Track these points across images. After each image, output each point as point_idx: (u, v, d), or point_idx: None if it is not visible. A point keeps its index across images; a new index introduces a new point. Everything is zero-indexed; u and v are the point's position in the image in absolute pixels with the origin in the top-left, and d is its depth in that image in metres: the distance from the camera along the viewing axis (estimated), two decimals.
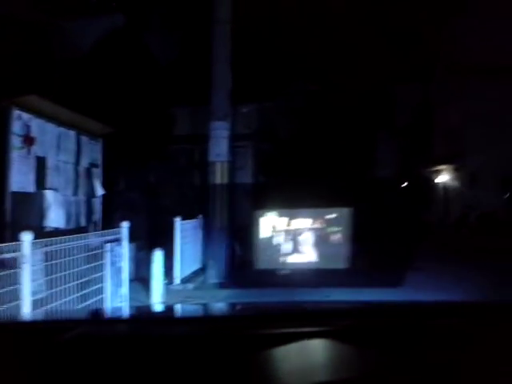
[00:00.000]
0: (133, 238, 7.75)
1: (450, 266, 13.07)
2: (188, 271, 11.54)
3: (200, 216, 12.82)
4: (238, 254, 15.74)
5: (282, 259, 10.64)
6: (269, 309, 2.44)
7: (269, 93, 18.31)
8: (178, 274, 10.76)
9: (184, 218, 11.63)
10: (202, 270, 12.30)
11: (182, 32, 17.67)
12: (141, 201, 14.58)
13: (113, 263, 6.91)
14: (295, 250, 10.48)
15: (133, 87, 13.59)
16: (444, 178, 28.88)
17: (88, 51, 14.20)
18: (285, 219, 10.49)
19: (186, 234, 11.39)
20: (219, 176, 11.04)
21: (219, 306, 3.67)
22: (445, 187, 28.98)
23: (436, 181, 29.88)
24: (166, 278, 9.83)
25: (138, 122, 13.50)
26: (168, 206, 14.49)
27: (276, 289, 9.12)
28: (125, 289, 7.24)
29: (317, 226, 10.45)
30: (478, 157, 24.78)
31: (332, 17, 25.19)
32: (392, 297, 7.53)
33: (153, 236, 11.93)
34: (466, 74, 25.92)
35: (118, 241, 7.15)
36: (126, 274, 7.27)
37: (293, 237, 10.49)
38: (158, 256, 8.28)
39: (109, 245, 6.80)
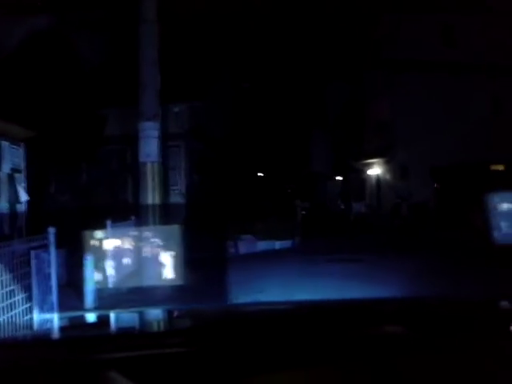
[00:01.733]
0: (63, 242, 7.58)
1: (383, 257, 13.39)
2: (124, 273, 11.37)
3: (133, 218, 12.66)
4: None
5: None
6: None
7: (201, 92, 18.26)
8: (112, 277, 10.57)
9: (116, 221, 11.45)
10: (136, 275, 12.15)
11: (111, 33, 17.40)
12: (71, 204, 14.29)
13: (39, 270, 6.74)
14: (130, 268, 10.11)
15: (58, 89, 13.28)
16: (376, 170, 29.54)
17: (9, 52, 13.78)
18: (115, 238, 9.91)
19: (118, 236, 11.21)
20: (150, 177, 10.92)
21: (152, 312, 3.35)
22: (377, 180, 29.64)
23: (368, 173, 30.53)
24: (100, 281, 9.66)
25: (64, 124, 13.20)
26: (100, 209, 14.24)
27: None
28: (53, 296, 7.08)
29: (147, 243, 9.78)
30: (407, 149, 25.47)
31: (262, 15, 25.32)
32: None
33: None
34: (395, 68, 26.57)
35: (44, 247, 6.98)
36: (54, 281, 7.10)
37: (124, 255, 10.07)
38: (89, 260, 8.13)
39: (33, 252, 6.63)
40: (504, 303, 2.16)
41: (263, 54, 26.99)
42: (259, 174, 31.60)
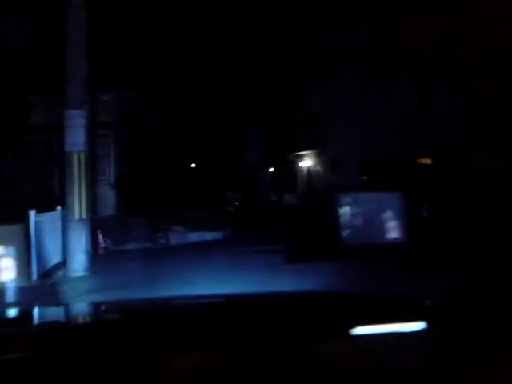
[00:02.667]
0: None
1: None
2: (48, 266, 11.13)
3: (59, 208, 12.39)
4: (103, 245, 15.43)
5: None
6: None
7: (131, 81, 17.99)
8: (34, 270, 10.32)
9: (41, 211, 11.18)
10: (63, 264, 11.90)
11: (40, 17, 16.88)
12: None
13: None
14: None
15: None
16: (307, 162, 29.91)
17: None
18: None
19: (42, 226, 10.96)
20: (76, 166, 10.69)
21: (75, 307, 3.18)
22: (308, 172, 30.03)
23: (300, 166, 30.89)
24: (22, 274, 9.43)
25: None
26: (25, 199, 13.85)
27: None
28: None
29: None
30: (338, 142, 25.91)
31: (198, 5, 25.15)
32: None
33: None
34: (328, 63, 26.93)
35: None
36: None
37: None
38: (6, 252, 7.90)
39: None
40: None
41: (199, 45, 26.83)
42: (192, 165, 31.44)
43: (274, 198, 33.23)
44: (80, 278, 10.94)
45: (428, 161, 25.46)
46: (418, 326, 1.52)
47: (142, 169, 18.24)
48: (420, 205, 18.81)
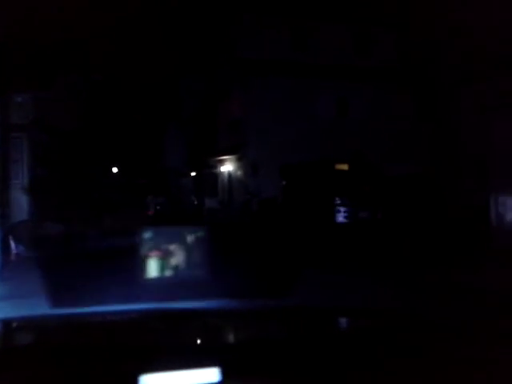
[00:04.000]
0: None
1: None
2: None
3: None
4: (14, 252, 14.97)
5: None
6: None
7: (46, 82, 17.58)
8: None
9: None
10: None
11: None
12: None
13: None
14: None
15: None
16: (228, 167, 30.09)
17: None
18: None
19: None
20: None
21: None
22: (229, 176, 30.22)
23: (221, 170, 31.02)
24: None
25: None
26: None
27: None
28: None
29: None
30: (258, 147, 26.23)
31: (122, 6, 24.85)
32: None
33: None
34: (249, 68, 27.21)
35: None
36: None
37: None
38: None
39: None
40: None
41: (119, 46, 26.51)
42: (112, 169, 31.00)
43: (196, 203, 33.23)
44: None
45: (345, 166, 26.18)
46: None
47: (58, 172, 17.84)
48: (336, 209, 19.35)
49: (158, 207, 29.41)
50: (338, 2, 27.33)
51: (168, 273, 7.01)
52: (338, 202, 19.17)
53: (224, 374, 1.25)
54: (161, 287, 6.77)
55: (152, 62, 29.26)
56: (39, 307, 7.64)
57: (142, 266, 6.64)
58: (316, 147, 25.26)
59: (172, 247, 7.27)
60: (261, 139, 26.08)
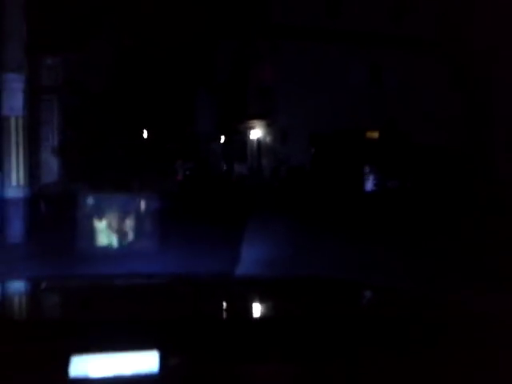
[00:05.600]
0: None
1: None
2: None
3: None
4: (44, 214, 15.19)
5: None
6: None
7: (77, 44, 17.56)
8: None
9: None
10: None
11: None
12: None
13: None
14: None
15: None
16: (257, 133, 29.96)
17: None
18: None
19: None
20: (14, 131, 10.45)
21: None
22: (258, 142, 30.11)
23: (250, 136, 30.92)
24: None
25: None
26: None
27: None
28: None
29: None
30: (288, 114, 26.03)
31: None
32: None
33: None
34: (281, 34, 26.86)
35: None
36: None
37: None
38: None
39: None
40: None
41: (153, 8, 26.32)
42: (142, 132, 31.10)
43: (225, 168, 33.26)
44: (16, 245, 10.80)
45: (375, 134, 25.86)
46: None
47: (88, 134, 17.94)
48: (365, 178, 19.19)
49: (187, 172, 29.47)
50: None
51: None
52: (368, 170, 19.01)
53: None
54: None
55: (186, 25, 29.00)
56: (65, 267, 7.75)
57: None
58: (347, 115, 24.99)
59: None
60: (291, 106, 25.86)
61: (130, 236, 9.87)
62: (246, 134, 31.39)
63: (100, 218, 9.83)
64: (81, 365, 1.09)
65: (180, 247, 8.98)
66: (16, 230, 10.96)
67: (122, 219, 9.93)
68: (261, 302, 1.83)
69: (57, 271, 7.28)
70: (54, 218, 14.84)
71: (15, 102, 10.47)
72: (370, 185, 19.10)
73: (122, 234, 9.88)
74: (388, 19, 27.84)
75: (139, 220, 9.82)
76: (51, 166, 16.34)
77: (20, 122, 10.57)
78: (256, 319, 1.53)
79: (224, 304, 1.79)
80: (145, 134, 31.19)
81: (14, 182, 10.77)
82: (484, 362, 1.20)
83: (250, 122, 29.92)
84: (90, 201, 10.02)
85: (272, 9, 27.57)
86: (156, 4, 25.65)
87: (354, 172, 19.07)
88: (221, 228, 11.73)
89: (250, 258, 8.14)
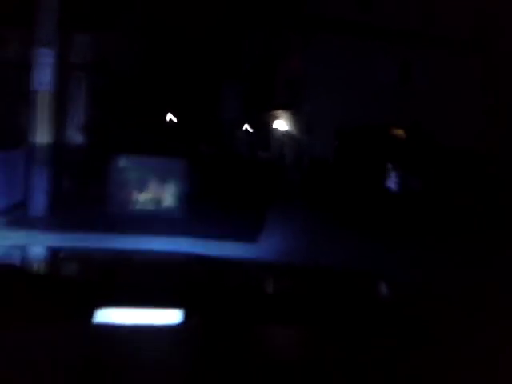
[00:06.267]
0: None
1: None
2: (4, 204, 11.09)
3: (25, 144, 12.26)
4: (68, 189, 15.35)
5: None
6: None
7: (108, 23, 17.60)
8: None
9: (5, 148, 11.13)
10: (23, 203, 11.85)
11: None
12: None
13: None
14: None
15: None
16: (282, 123, 29.93)
17: None
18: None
19: (4, 163, 10.91)
20: (41, 105, 10.57)
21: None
22: (282, 132, 30.08)
23: (275, 125, 30.89)
24: None
25: None
26: None
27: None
28: None
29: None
30: (315, 106, 25.93)
31: None
32: None
33: None
34: (314, 23, 26.71)
35: None
36: None
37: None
38: None
39: None
40: None
41: None
42: (167, 116, 31.15)
43: (248, 155, 33.25)
44: (40, 218, 10.94)
45: (401, 132, 25.66)
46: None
47: (114, 114, 18.03)
48: (387, 176, 19.06)
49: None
50: None
51: None
52: (390, 168, 18.88)
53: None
54: None
55: (217, 11, 28.91)
56: (85, 240, 7.84)
57: None
58: (373, 111, 24.81)
59: None
60: (318, 98, 25.74)
61: (162, 201, 10.28)
62: (270, 124, 31.36)
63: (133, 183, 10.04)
64: (106, 315, 1.19)
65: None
66: (40, 202, 11.10)
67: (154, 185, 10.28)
68: (275, 276, 1.88)
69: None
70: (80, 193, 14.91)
71: (44, 77, 10.59)
72: (391, 183, 18.99)
73: (153, 200, 10.22)
74: (422, 18, 27.50)
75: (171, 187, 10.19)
76: (76, 141, 16.46)
77: (48, 96, 10.69)
78: (269, 291, 1.59)
79: (242, 277, 1.85)
80: (169, 118, 31.24)
81: (40, 156, 10.90)
82: (471, 356, 1.25)
83: (276, 112, 29.88)
84: (123, 163, 10.25)
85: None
86: None
87: (378, 169, 18.96)
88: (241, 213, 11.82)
89: (270, 248, 8.18)
